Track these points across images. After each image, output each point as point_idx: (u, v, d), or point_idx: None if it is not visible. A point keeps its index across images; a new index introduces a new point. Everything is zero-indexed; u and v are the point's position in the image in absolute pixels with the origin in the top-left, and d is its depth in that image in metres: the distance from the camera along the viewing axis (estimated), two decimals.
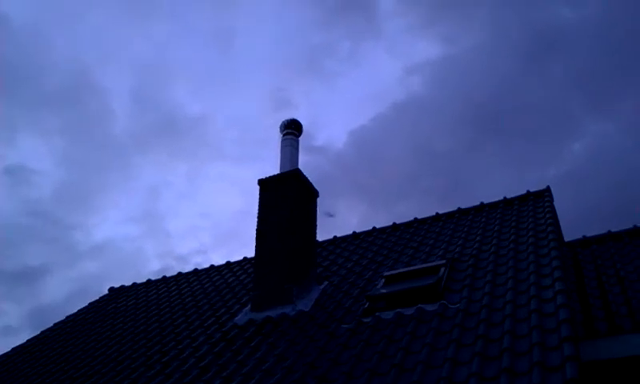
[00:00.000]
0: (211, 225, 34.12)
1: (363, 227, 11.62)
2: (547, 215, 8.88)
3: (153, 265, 31.35)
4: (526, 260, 7.37)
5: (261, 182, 9.54)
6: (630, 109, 27.26)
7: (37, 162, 29.89)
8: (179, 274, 12.58)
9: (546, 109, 28.54)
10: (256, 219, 9.32)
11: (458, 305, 6.68)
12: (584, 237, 9.81)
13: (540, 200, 9.95)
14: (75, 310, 12.14)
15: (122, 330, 9.87)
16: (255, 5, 32.38)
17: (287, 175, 9.44)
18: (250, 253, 11.91)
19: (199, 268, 12.57)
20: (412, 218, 11.07)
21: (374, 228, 11.30)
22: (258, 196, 9.48)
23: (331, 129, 34.65)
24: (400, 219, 11.22)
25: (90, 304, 12.46)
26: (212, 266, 12.41)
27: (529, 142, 28.80)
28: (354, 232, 11.46)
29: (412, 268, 8.13)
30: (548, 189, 10.26)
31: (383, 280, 8.03)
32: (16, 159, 29.56)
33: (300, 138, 10.10)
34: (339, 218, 29.59)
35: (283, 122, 10.14)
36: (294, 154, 9.91)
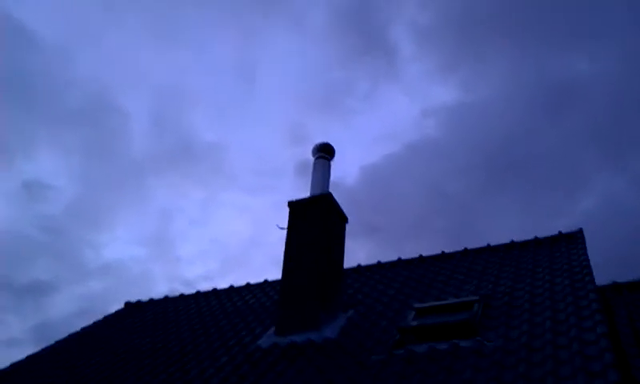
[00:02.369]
0: (219, 252, 34.29)
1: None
2: (582, 257, 8.69)
3: (160, 288, 31.49)
4: (564, 301, 7.17)
5: (291, 204, 9.42)
6: None
7: (54, 177, 29.93)
8: (198, 292, 12.43)
9: (558, 160, 28.59)
10: (283, 245, 9.18)
11: (494, 342, 6.48)
12: (614, 282, 9.58)
13: (572, 241, 9.75)
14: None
15: (140, 346, 9.71)
16: (279, 39, 32.96)
17: (318, 198, 9.33)
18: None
19: (218, 288, 12.42)
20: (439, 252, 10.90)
21: (400, 259, 11.12)
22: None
23: (344, 165, 35.18)
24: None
25: (105, 317, 12.31)
26: (232, 287, 12.24)
27: (539, 191, 28.84)
28: (379, 261, 11.29)
29: (444, 302, 7.93)
30: (580, 231, 10.07)
31: (414, 312, 7.84)
32: (34, 174, 29.74)
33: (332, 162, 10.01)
34: (346, 252, 29.68)
35: (316, 144, 10.07)
36: (326, 177, 9.81)
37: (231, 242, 34.47)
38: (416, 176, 31.12)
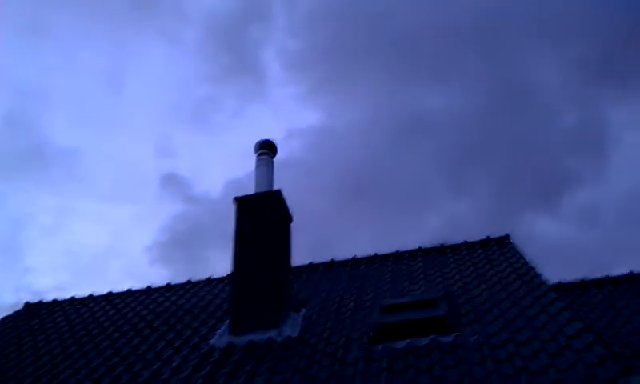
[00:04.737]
0: (72, 262, 32.59)
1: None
2: (521, 260, 9.14)
3: (6, 298, 29.03)
4: (525, 299, 7.46)
5: (238, 199, 9.04)
6: (485, 193, 30.14)
7: None
8: (110, 293, 11.50)
9: (409, 183, 30.62)
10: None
11: (476, 337, 6.60)
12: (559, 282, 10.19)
13: (503, 245, 10.24)
14: None
15: (64, 347, 8.78)
16: (150, 50, 32.84)
17: (268, 195, 9.04)
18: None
19: (133, 288, 11.59)
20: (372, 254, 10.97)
21: (333, 260, 11.04)
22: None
23: (209, 180, 35.41)
24: None
25: (3, 318, 11.03)
26: (149, 287, 11.48)
27: (392, 211, 30.65)
28: (311, 263, 11.14)
29: (409, 299, 7.97)
30: (508, 236, 10.62)
31: (378, 309, 7.78)
32: None
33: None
34: (210, 262, 30.29)
35: (258, 141, 9.77)
36: (269, 174, 9.53)
37: (85, 252, 33.16)
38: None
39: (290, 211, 9.35)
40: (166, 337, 8.50)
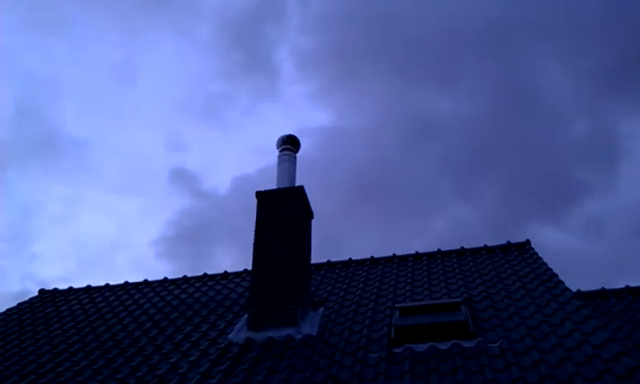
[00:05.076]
0: (79, 252, 32.73)
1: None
2: (543, 266, 9.04)
3: (12, 286, 29.21)
4: (549, 306, 7.37)
5: (259, 194, 8.97)
6: (491, 199, 30.17)
7: None
8: (126, 282, 11.51)
9: (416, 186, 30.87)
10: (253, 234, 8.71)
11: (498, 343, 6.51)
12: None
13: (523, 251, 10.13)
14: None
15: (81, 336, 8.78)
16: (163, 45, 33.05)
17: (290, 191, 8.97)
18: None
19: (149, 279, 11.59)
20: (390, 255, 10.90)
21: (351, 259, 10.99)
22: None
23: (219, 175, 35.68)
24: None
25: (19, 304, 11.05)
26: (165, 279, 11.47)
27: (399, 213, 30.84)
28: (329, 260, 11.09)
29: (429, 302, 7.88)
30: (528, 241, 10.51)
31: (398, 312, 7.70)
32: None
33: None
34: (215, 258, 30.37)
35: (281, 137, 9.70)
36: (292, 170, 9.46)
37: (92, 243, 33.26)
38: None
39: (311, 208, 9.29)
40: (184, 330, 8.47)
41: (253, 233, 8.63)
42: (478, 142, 30.27)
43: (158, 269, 34.73)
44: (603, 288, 10.15)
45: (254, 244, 8.61)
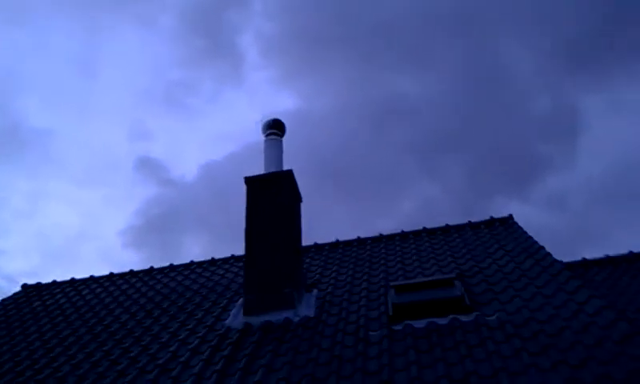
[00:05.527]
0: (44, 245, 32.40)
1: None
2: (529, 239, 9.24)
3: None
4: (540, 278, 7.56)
5: (249, 179, 8.95)
6: (458, 178, 30.72)
7: None
8: (111, 273, 11.41)
9: (383, 168, 31.08)
10: (243, 219, 8.72)
11: (495, 316, 6.67)
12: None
13: (507, 226, 10.34)
14: None
15: (72, 327, 8.69)
16: (125, 34, 32.50)
17: (279, 175, 8.98)
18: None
19: (135, 269, 11.50)
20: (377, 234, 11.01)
21: (338, 240, 11.07)
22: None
23: (185, 163, 35.53)
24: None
25: (3, 300, 10.87)
26: (152, 268, 11.41)
27: (366, 195, 31.18)
28: (316, 243, 11.15)
29: (424, 279, 8.01)
30: (511, 216, 10.73)
31: (393, 290, 7.81)
32: None
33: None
34: (184, 246, 30.29)
35: (267, 121, 9.69)
36: (279, 155, 9.46)
37: (57, 236, 32.96)
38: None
39: (299, 192, 9.32)
40: (178, 318, 8.46)
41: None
42: (443, 123, 30.82)
43: (125, 259, 34.43)
44: (584, 258, 10.46)
45: (246, 229, 8.61)
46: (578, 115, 29.33)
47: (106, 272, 11.43)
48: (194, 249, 33.29)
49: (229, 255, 11.36)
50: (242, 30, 33.66)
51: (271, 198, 8.78)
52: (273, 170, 9.18)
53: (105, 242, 33.33)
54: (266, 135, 9.60)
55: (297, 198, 9.22)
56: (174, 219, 30.79)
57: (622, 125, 29.66)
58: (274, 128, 9.63)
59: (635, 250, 10.52)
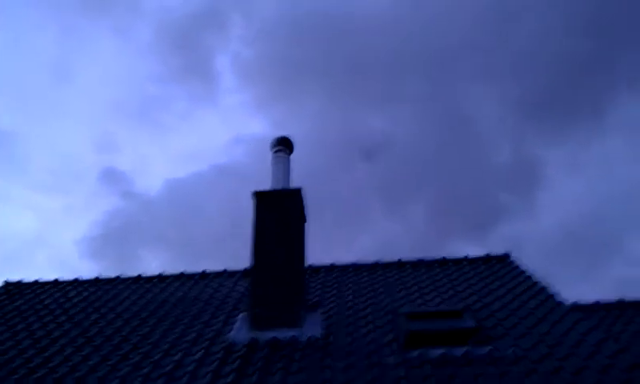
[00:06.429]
0: None
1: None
2: (530, 278, 9.31)
3: None
4: (552, 315, 7.60)
5: (258, 194, 8.84)
6: (419, 217, 31.52)
7: None
8: (97, 278, 11.06)
9: (346, 201, 31.51)
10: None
11: (511, 349, 6.65)
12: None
13: (504, 263, 10.41)
14: None
15: (63, 330, 8.36)
16: (101, 44, 32.42)
17: (289, 192, 8.90)
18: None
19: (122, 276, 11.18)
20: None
21: (334, 265, 10.96)
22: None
23: (150, 178, 35.30)
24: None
25: None
26: (139, 276, 11.09)
27: (325, 223, 31.19)
28: (311, 266, 11.01)
29: (434, 309, 7.98)
30: (508, 255, 10.82)
31: (404, 317, 7.74)
32: None
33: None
34: (144, 260, 29.90)
35: (275, 138, 9.63)
36: (286, 172, 9.39)
37: (12, 239, 32.14)
38: (220, 196, 31.54)
39: (305, 213, 9.24)
40: (175, 328, 8.23)
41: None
42: (409, 161, 31.55)
43: (82, 268, 33.64)
44: (575, 303, 10.56)
45: (253, 244, 8.47)
46: (537, 168, 30.22)
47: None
48: (153, 263, 32.90)
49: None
50: (220, 52, 34.24)
51: (281, 213, 8.68)
52: (280, 186, 9.10)
53: (61, 250, 32.58)
54: (274, 151, 9.54)
55: (303, 217, 9.13)
56: (133, 232, 30.38)
57: (580, 181, 30.61)
58: (282, 145, 9.57)
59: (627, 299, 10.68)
